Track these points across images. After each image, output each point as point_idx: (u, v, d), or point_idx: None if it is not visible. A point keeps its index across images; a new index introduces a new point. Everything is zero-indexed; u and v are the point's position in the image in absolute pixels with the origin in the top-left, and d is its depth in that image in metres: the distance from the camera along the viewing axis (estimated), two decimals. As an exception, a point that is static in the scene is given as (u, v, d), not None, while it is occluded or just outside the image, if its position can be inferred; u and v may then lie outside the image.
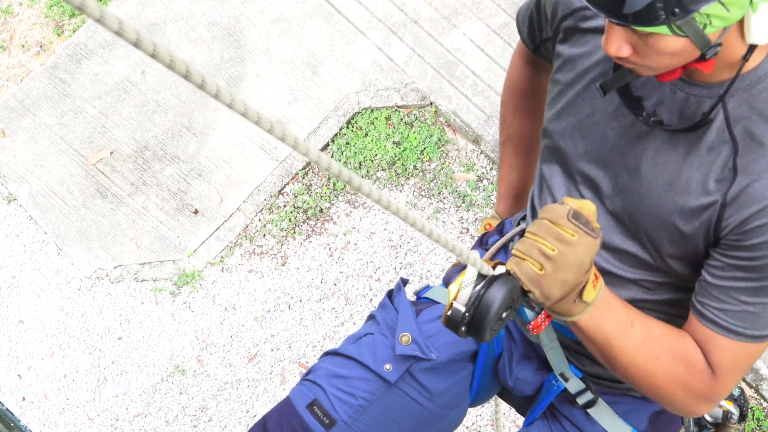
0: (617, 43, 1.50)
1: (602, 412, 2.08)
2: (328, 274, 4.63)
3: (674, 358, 1.64)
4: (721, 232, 1.59)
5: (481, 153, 4.81)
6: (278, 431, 2.14)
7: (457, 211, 4.68)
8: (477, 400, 2.33)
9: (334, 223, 4.72)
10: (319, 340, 4.49)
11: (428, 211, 4.70)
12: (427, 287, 2.35)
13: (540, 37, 2.02)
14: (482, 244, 2.32)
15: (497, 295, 1.41)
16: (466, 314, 1.42)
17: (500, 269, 1.48)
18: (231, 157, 4.84)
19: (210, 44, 5.14)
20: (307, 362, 4.44)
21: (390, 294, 2.29)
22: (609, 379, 2.09)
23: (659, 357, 1.63)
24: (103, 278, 4.79)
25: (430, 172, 4.80)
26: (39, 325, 4.76)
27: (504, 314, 1.44)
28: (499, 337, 2.19)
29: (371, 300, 4.54)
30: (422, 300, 2.31)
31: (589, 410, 2.09)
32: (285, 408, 2.18)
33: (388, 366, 2.13)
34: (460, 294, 1.43)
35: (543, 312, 1.68)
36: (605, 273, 1.80)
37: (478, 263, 1.42)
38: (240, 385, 4.48)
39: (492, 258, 2.16)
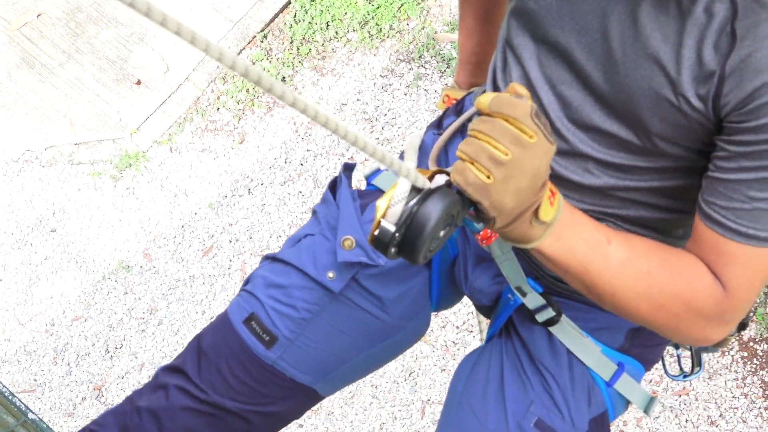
0: None
1: (566, 331, 1.92)
2: (293, 153, 4.34)
3: (671, 273, 1.48)
4: (722, 111, 1.44)
5: (469, 8, 4.23)
6: (213, 352, 2.00)
7: (441, 77, 4.36)
8: (441, 306, 2.19)
9: (299, 93, 4.45)
10: (284, 228, 4.19)
11: (408, 78, 4.38)
12: (377, 171, 2.15)
13: None
14: (439, 126, 2.12)
15: (433, 211, 1.29)
16: (396, 234, 1.30)
17: (438, 180, 1.34)
18: (178, 18, 4.18)
19: None
20: (271, 255, 4.00)
21: (334, 184, 2.08)
22: None
23: (651, 273, 1.47)
24: (32, 161, 4.49)
25: (408, 33, 4.47)
26: (-42, 217, 4.49)
27: (441, 233, 1.32)
28: (452, 238, 2.04)
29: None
30: (371, 189, 2.11)
31: (551, 329, 1.94)
32: (222, 324, 2.03)
33: (330, 274, 1.97)
34: (391, 211, 1.30)
35: None
36: (582, 156, 1.64)
37: (411, 174, 1.28)
38: (194, 282, 4.20)
39: (445, 147, 2.03)
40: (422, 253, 1.31)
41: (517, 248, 1.88)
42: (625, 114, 1.56)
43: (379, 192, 2.06)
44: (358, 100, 4.41)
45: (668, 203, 1.67)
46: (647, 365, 2.00)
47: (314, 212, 2.08)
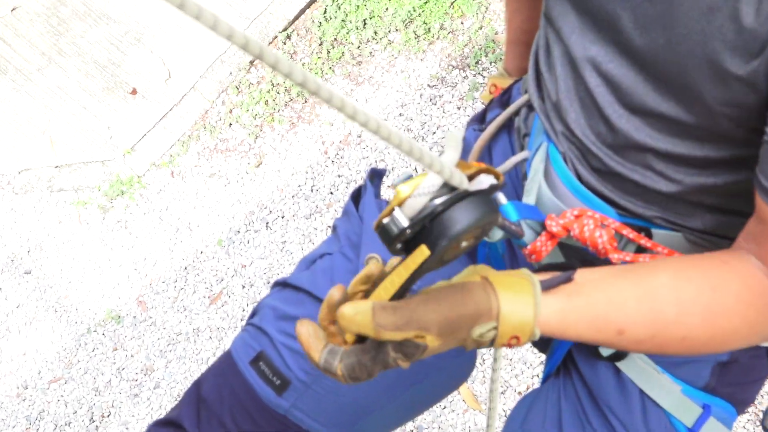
0: None
1: (637, 367, 1.81)
2: (321, 179, 4.09)
3: (714, 295, 1.39)
4: None
5: (536, 5, 4.08)
6: (215, 399, 1.91)
7: (502, 87, 3.94)
8: None
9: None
10: (309, 272, 3.80)
11: (461, 88, 4.07)
12: (409, 177, 1.91)
13: None
14: (481, 121, 2.04)
15: (462, 219, 1.18)
16: (408, 231, 1.19)
17: (482, 181, 1.22)
18: (182, 14, 4.28)
19: None
20: (294, 304, 3.72)
21: (357, 194, 2.00)
22: None
23: (689, 329, 1.39)
24: (3, 187, 4.36)
25: (463, 33, 4.24)
26: None
27: (464, 243, 1.22)
28: (498, 255, 1.94)
29: (383, 215, 3.87)
30: None
31: (618, 364, 1.81)
32: (224, 366, 1.93)
33: None
34: (410, 201, 1.18)
35: (545, 232, 1.65)
36: (639, 147, 1.57)
37: (446, 170, 1.16)
38: (199, 336, 3.89)
39: (488, 145, 1.96)
40: (433, 261, 1.27)
41: (577, 256, 1.83)
42: (680, 89, 1.49)
43: None
44: (401, 114, 4.12)
45: (743, 205, 1.58)
46: (740, 407, 1.88)
47: (334, 227, 2.01)
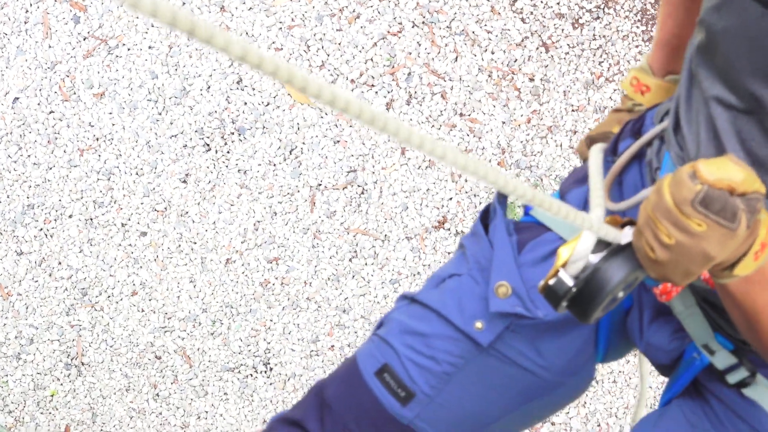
0: None
1: (763, 393, 1.86)
2: None
3: None
4: None
5: None
6: (339, 405, 1.99)
7: None
8: (609, 357, 2.13)
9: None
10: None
11: None
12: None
13: None
14: (614, 152, 2.03)
15: (617, 271, 1.33)
16: (573, 289, 1.34)
17: (627, 233, 1.37)
18: None
19: None
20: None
21: (485, 213, 2.01)
22: None
23: None
24: None
25: None
26: None
27: (620, 294, 1.36)
28: None
29: None
30: (529, 221, 2.04)
31: (744, 390, 1.87)
32: (349, 375, 2.01)
33: (479, 324, 1.92)
34: (572, 261, 1.34)
35: None
36: None
37: (602, 231, 1.32)
38: None
39: (620, 177, 2.00)
40: (596, 313, 1.35)
41: (702, 295, 1.85)
42: None
43: (539, 226, 2.02)
44: None
45: None
46: None
47: (461, 246, 2.05)
